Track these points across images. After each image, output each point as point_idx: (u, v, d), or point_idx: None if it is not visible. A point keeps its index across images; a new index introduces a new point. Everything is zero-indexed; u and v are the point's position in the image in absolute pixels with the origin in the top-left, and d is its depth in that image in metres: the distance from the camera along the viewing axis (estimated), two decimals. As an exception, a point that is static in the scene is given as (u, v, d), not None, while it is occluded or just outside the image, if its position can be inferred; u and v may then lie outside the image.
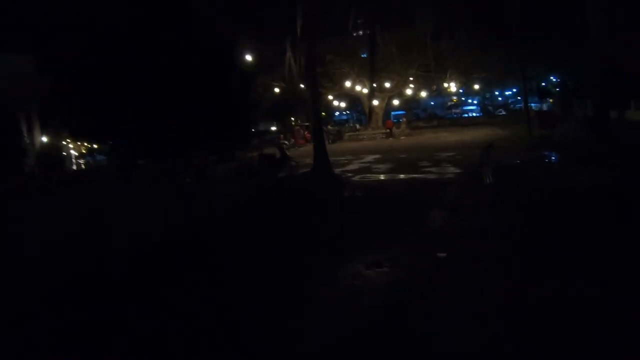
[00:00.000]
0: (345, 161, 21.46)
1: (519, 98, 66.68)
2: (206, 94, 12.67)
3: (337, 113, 71.91)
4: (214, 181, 18.50)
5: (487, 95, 70.03)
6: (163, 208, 12.83)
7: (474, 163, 14.32)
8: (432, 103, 75.67)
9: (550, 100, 51.90)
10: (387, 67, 37.24)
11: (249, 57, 26.22)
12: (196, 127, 12.88)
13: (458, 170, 15.35)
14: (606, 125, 14.43)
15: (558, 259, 5.96)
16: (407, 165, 17.87)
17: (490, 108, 66.11)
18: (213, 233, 9.40)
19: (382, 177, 15.80)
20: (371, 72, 28.91)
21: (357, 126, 49.54)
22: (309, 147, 35.96)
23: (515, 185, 11.31)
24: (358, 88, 38.53)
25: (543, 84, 52.87)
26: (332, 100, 47.76)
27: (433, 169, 16.27)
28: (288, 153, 18.80)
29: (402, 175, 15.50)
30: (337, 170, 17.94)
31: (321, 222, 9.39)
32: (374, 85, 38.71)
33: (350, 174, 16.90)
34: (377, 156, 22.68)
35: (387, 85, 39.52)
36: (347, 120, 66.90)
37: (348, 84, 38.24)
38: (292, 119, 53.76)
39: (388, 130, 37.97)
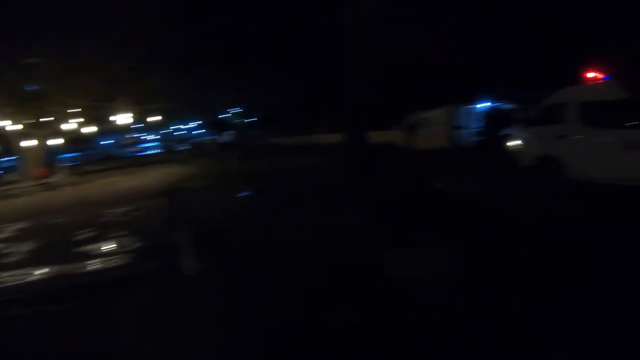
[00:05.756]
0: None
1: (202, 131, 63.63)
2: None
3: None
4: None
5: (169, 129, 65.14)
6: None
7: (162, 222, 9.22)
8: (107, 141, 67.85)
9: (228, 133, 49.77)
10: (46, 94, 29.23)
11: None
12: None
13: (138, 243, 9.61)
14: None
15: None
16: (57, 243, 11.11)
17: (172, 143, 61.11)
18: None
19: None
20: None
21: (11, 176, 39.08)
22: None
23: (246, 281, 6.10)
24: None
25: (224, 115, 50.39)
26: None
27: (98, 246, 10.10)
28: None
29: (36, 273, 8.69)
30: None
31: None
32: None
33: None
34: (19, 225, 15.23)
35: (46, 119, 31.19)
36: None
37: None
38: None
39: (42, 179, 29.16)
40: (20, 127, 30.41)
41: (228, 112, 49.92)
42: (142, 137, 69.74)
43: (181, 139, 63.21)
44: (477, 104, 24.87)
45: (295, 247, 7.56)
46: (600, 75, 13.32)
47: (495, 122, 22.34)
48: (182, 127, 70.64)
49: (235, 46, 28.65)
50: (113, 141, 65.80)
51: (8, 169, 44.11)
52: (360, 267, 6.42)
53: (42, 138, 32.80)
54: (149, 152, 59.08)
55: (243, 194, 13.57)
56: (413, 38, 21.00)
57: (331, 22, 17.24)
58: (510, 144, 14.82)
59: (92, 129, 41.52)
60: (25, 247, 11.70)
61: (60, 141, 39.28)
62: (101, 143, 65.66)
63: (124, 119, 34.36)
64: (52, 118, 31.28)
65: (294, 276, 6.13)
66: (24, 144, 32.21)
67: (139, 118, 37.34)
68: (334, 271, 6.30)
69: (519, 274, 5.89)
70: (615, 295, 5.17)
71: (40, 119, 31.30)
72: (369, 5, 13.66)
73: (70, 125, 34.08)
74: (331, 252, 7.10)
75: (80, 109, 31.56)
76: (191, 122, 65.60)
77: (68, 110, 30.79)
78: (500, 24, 23.24)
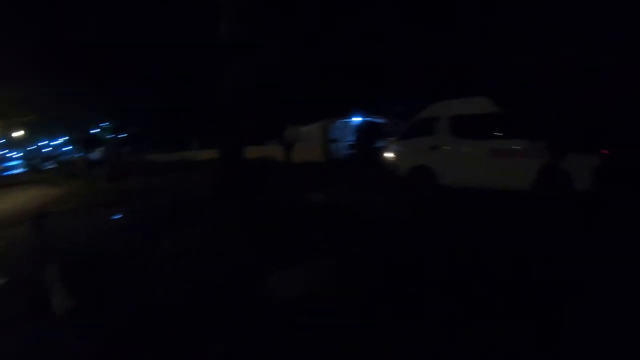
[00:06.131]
0: None
1: (70, 148, 59.95)
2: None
3: None
4: None
5: (36, 145, 60.80)
6: None
7: (26, 253, 8.55)
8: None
9: (97, 149, 47.06)
10: None
11: None
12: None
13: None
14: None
15: None
16: None
17: (37, 161, 57.07)
18: None
19: None
20: None
21: None
22: None
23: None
24: None
25: (94, 130, 47.79)
26: None
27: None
28: None
29: None
30: None
31: None
32: None
33: None
34: None
35: None
36: None
37: None
38: None
39: None
40: None
41: (99, 127, 47.53)
42: (6, 155, 64.69)
43: (47, 157, 59.29)
44: (351, 117, 25.54)
45: (173, 272, 7.32)
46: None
47: (368, 136, 23.05)
48: (49, 143, 66.46)
49: (102, 58, 27.50)
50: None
51: None
52: (241, 286, 6.32)
53: None
54: (12, 172, 54.79)
55: (113, 217, 12.93)
56: (286, 53, 21.19)
57: (204, 36, 17.00)
58: (385, 155, 15.38)
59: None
60: None
61: None
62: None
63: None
64: None
65: (174, 305, 5.92)
66: None
67: (1, 133, 34.66)
68: (215, 294, 6.16)
69: (401, 284, 6.03)
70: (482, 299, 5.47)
71: None
72: (242, 22, 13.57)
73: None
74: (210, 274, 6.94)
75: None
76: (60, 138, 61.91)
77: None
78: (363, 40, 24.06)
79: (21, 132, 44.17)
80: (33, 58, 24.90)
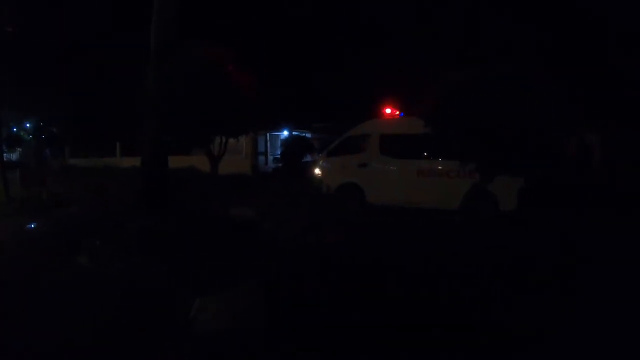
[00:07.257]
0: None
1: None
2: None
3: None
4: None
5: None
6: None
7: None
8: None
9: (19, 150, 44.36)
10: None
11: None
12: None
13: None
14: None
15: None
16: None
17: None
18: None
19: None
20: None
21: None
22: None
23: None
24: None
25: (14, 129, 44.87)
26: None
27: None
28: None
29: None
30: None
31: None
32: None
33: None
34: None
35: None
36: None
37: None
38: None
39: None
40: None
41: (23, 127, 44.74)
42: None
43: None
44: (279, 131, 25.31)
45: (88, 296, 6.59)
46: (396, 111, 14.26)
47: (295, 150, 22.84)
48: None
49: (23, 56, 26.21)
50: None
51: None
52: (157, 315, 5.75)
53: None
54: None
55: (28, 226, 11.91)
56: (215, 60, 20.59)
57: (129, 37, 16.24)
58: (313, 171, 15.14)
59: None
60: None
61: None
62: None
63: None
64: None
65: (80, 340, 5.25)
66: None
67: None
68: (127, 324, 5.55)
69: (335, 309, 5.66)
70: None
71: None
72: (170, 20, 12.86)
73: None
74: (122, 299, 6.32)
75: None
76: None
77: None
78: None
79: None
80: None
